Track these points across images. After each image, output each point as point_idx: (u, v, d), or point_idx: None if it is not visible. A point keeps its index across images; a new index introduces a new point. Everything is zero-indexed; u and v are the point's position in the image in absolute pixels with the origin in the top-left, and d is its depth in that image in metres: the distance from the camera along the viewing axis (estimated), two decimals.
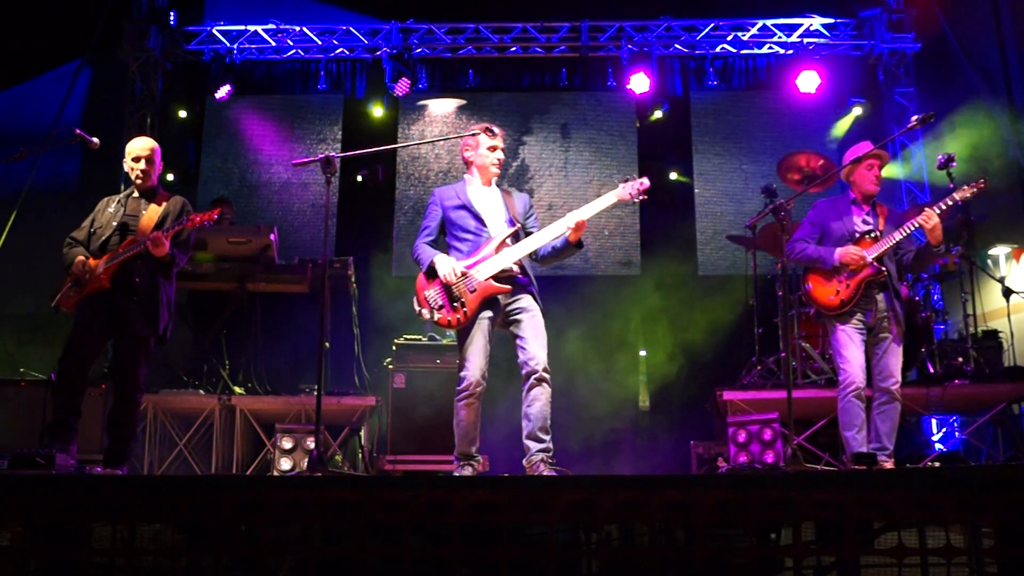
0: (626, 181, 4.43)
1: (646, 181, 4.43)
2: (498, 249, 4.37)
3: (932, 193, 8.23)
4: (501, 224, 4.49)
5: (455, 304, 4.30)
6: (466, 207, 4.50)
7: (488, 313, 4.34)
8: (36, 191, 8.18)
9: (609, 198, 4.43)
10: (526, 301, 4.39)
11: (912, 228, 4.71)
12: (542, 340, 4.32)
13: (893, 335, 4.76)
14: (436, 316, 4.34)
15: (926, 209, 4.67)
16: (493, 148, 4.60)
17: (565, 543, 3.56)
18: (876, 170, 4.90)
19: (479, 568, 3.43)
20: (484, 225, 4.46)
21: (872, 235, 4.81)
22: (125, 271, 4.61)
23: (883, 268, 4.74)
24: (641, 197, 4.41)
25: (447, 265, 4.34)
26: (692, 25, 8.82)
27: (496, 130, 4.60)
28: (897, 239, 4.73)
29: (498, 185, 4.70)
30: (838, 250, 4.79)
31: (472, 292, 4.29)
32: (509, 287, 4.34)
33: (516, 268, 4.41)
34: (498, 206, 4.56)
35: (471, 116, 8.91)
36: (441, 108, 9.04)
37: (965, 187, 4.66)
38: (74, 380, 4.55)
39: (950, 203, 4.68)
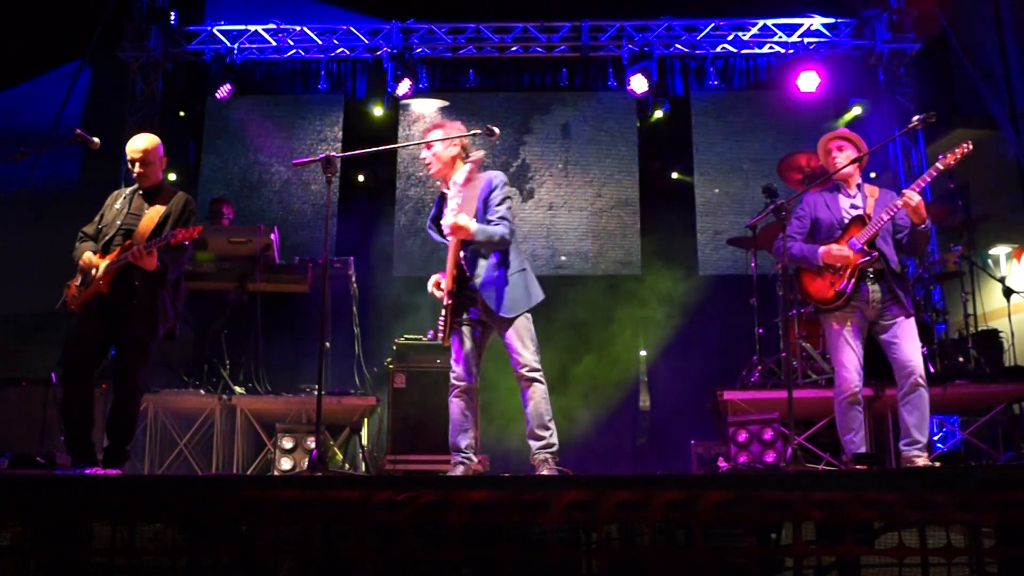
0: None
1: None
2: (450, 261, 4.34)
3: (932, 192, 8.23)
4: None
5: (441, 319, 4.31)
6: (435, 214, 4.50)
7: (470, 317, 4.36)
8: (36, 191, 8.20)
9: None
10: (489, 309, 4.30)
11: (896, 209, 4.56)
12: (524, 341, 4.29)
13: (901, 319, 4.55)
14: (438, 335, 4.35)
15: (905, 191, 4.51)
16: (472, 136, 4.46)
17: (565, 543, 3.56)
18: (835, 152, 4.75)
19: (479, 568, 3.43)
20: (438, 235, 4.45)
21: (860, 219, 4.65)
22: (124, 275, 4.60)
23: (874, 252, 4.58)
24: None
25: (430, 284, 4.42)
26: (692, 25, 8.82)
27: (495, 129, 4.54)
28: (885, 219, 4.58)
29: (479, 173, 4.43)
30: (821, 250, 4.65)
31: (445, 306, 4.31)
32: (467, 296, 4.32)
33: (470, 277, 4.31)
34: (449, 210, 4.38)
35: (471, 116, 8.91)
36: (441, 108, 9.04)
37: (948, 154, 4.46)
38: (80, 395, 4.56)
39: (934, 173, 4.52)
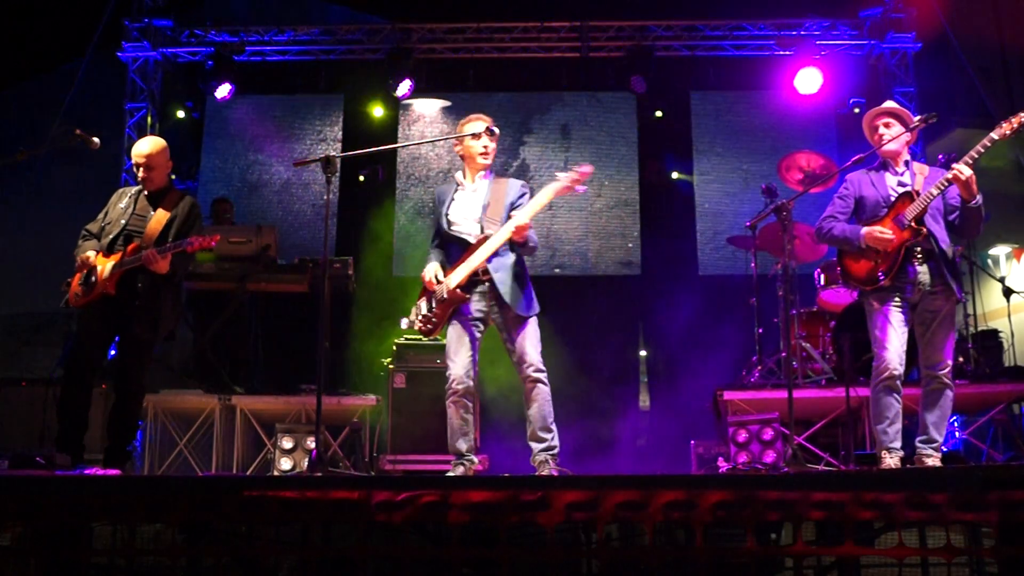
0: (565, 172, 4.32)
1: (588, 168, 4.30)
2: (465, 256, 4.32)
3: None
4: (473, 226, 4.37)
5: (429, 312, 4.35)
6: (443, 209, 4.46)
7: (467, 315, 4.33)
8: (36, 191, 8.20)
9: (547, 192, 4.31)
10: (503, 307, 4.29)
11: (945, 184, 4.22)
12: (534, 341, 4.28)
13: (943, 311, 4.29)
14: (416, 324, 4.37)
15: (955, 164, 4.22)
16: (476, 136, 4.44)
17: (565, 543, 3.56)
18: (882, 128, 4.48)
19: (479, 568, 3.44)
20: (460, 229, 4.38)
21: (908, 195, 4.33)
22: (128, 275, 4.60)
23: (922, 229, 4.26)
24: (582, 187, 4.34)
25: (428, 272, 4.40)
26: (692, 25, 8.81)
27: (495, 129, 4.52)
28: (935, 194, 4.28)
29: (500, 175, 4.50)
30: (863, 231, 4.35)
31: (442, 301, 4.31)
32: (468, 296, 4.28)
33: (484, 273, 4.29)
34: (475, 206, 4.41)
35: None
36: (441, 108, 9.04)
37: (1004, 123, 4.18)
38: (78, 398, 4.56)
39: (988, 144, 4.21)
